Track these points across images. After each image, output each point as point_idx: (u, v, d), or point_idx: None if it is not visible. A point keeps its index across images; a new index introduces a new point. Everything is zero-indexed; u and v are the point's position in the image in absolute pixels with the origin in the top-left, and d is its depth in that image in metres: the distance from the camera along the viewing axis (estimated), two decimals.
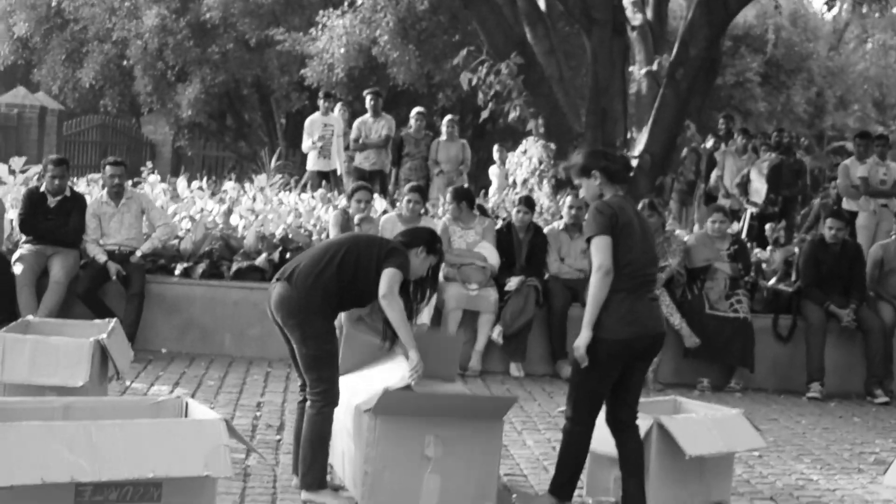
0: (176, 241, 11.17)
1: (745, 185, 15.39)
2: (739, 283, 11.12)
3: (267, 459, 7.02)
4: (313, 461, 6.22)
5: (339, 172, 15.85)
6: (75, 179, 12.68)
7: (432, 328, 7.57)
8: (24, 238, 10.56)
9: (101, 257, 10.43)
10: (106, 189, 10.81)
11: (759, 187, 15.20)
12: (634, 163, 14.69)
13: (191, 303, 10.78)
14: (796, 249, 12.22)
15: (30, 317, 8.42)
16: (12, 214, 11.01)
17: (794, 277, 11.66)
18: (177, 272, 10.85)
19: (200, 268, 10.87)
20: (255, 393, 9.11)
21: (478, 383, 10.18)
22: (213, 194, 13.43)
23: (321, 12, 22.30)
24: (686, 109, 15.42)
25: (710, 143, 16.49)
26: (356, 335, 6.95)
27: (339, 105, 16.72)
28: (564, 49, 18.84)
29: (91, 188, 12.47)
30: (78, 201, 10.69)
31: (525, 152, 15.00)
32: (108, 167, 10.82)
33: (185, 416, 5.32)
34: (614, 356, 6.10)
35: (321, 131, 15.69)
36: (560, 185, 14.28)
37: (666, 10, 19.08)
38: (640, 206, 11.23)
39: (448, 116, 16.18)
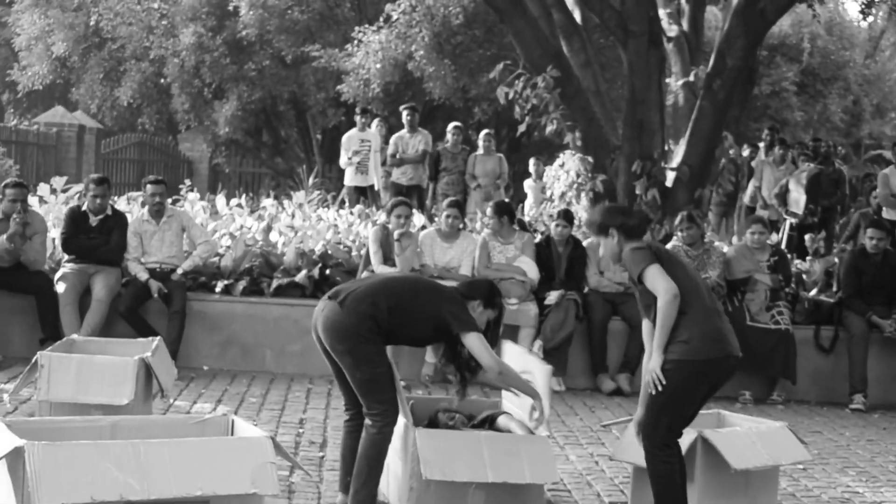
0: (216, 259, 11.22)
1: (783, 196, 15.34)
2: (780, 295, 11.07)
3: (311, 476, 7.04)
4: (368, 479, 6.16)
5: (376, 188, 15.90)
6: (115, 198, 12.76)
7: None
8: (66, 257, 10.64)
9: (143, 275, 10.49)
10: (147, 207, 10.88)
11: (797, 198, 15.13)
12: (672, 175, 14.66)
13: (232, 320, 10.83)
14: (837, 260, 12.16)
15: (74, 336, 8.50)
16: (54, 233, 11.09)
17: (835, 288, 11.61)
18: (217, 289, 10.90)
19: (241, 285, 10.91)
20: (298, 410, 9.13)
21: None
22: (251, 211, 13.48)
23: (357, 28, 22.39)
24: (724, 120, 15.37)
25: (746, 152, 16.43)
26: None
27: (376, 120, 16.78)
28: (601, 61, 18.85)
29: (131, 206, 12.55)
30: (119, 220, 10.76)
31: (562, 165, 14.99)
32: (149, 186, 10.88)
33: (232, 433, 5.35)
34: (703, 375, 6.03)
35: (358, 147, 15.74)
36: (598, 198, 14.26)
37: (702, 21, 19.01)
38: (678, 218, 11.24)
39: (484, 131, 16.22)
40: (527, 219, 13.77)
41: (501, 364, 6.26)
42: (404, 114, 15.77)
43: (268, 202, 14.21)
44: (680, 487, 6.09)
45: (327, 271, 10.97)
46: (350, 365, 6.12)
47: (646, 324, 6.25)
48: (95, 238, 10.57)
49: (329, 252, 11.30)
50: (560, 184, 14.92)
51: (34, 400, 7.64)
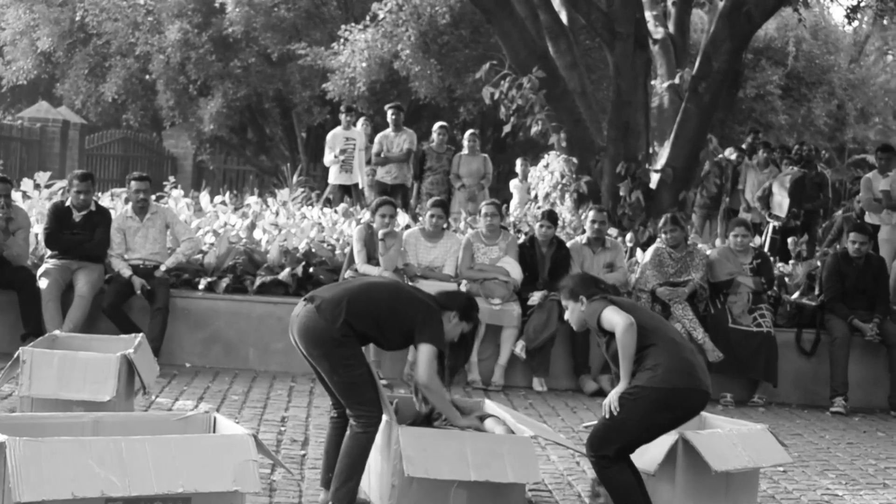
0: (200, 256, 11.21)
1: (766, 199, 15.39)
2: (762, 298, 11.11)
3: (293, 474, 7.04)
4: (349, 478, 6.17)
5: (360, 186, 15.91)
6: (99, 194, 12.74)
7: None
8: (49, 252, 10.62)
9: (126, 272, 10.48)
10: (131, 204, 10.86)
11: (781, 201, 15.19)
12: (656, 177, 14.69)
13: (215, 317, 10.82)
14: (819, 263, 12.21)
15: (57, 332, 8.49)
16: (37, 229, 11.07)
17: (817, 291, 11.65)
18: (201, 287, 10.89)
19: (224, 282, 10.91)
20: (280, 408, 9.13)
21: (501, 398, 10.18)
22: (235, 209, 13.47)
23: (343, 27, 22.39)
24: (709, 123, 15.41)
25: (732, 155, 16.48)
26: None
27: (362, 119, 16.78)
28: (587, 63, 18.88)
29: (115, 202, 12.52)
30: (103, 216, 10.74)
31: (547, 166, 15.01)
32: (133, 182, 10.86)
33: (214, 431, 5.35)
34: (666, 407, 6.07)
35: (343, 145, 15.76)
36: (582, 200, 14.29)
37: (688, 24, 19.08)
38: (662, 220, 11.27)
39: (470, 131, 16.23)
40: (511, 219, 13.78)
41: (433, 383, 6.21)
42: (389, 113, 15.78)
43: (252, 200, 14.20)
44: (640, 492, 6.16)
45: (311, 269, 10.97)
46: (328, 369, 6.14)
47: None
48: (79, 234, 10.54)
49: (313, 250, 11.30)
50: (544, 185, 14.94)
51: (16, 395, 7.62)
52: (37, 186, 12.80)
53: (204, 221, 12.20)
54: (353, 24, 22.33)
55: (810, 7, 19.17)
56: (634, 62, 14.80)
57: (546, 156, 15.27)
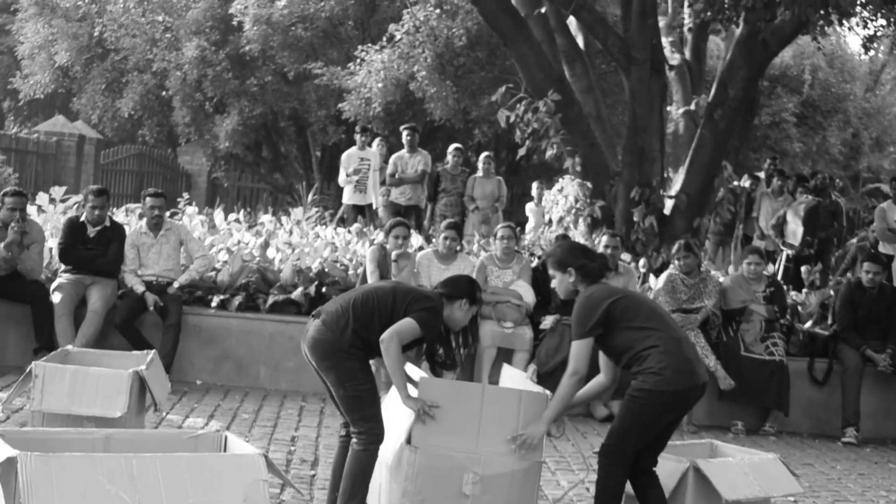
0: (213, 273, 11.22)
1: (780, 227, 15.37)
2: (775, 326, 11.09)
3: (303, 494, 7.03)
4: (352, 496, 6.19)
5: (374, 207, 15.92)
6: (114, 209, 12.76)
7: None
8: (62, 267, 10.64)
9: (139, 288, 10.50)
10: (145, 220, 10.88)
11: (795, 229, 15.16)
12: (670, 203, 14.68)
13: (227, 335, 10.83)
14: (832, 292, 12.18)
15: (69, 346, 8.49)
16: (52, 243, 11.09)
17: (830, 321, 11.62)
18: (213, 304, 10.91)
19: (237, 300, 10.92)
20: (290, 427, 9.12)
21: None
22: (249, 227, 13.48)
23: (360, 47, 22.42)
24: (724, 150, 15.41)
25: (746, 182, 16.47)
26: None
27: (377, 139, 16.81)
28: (602, 87, 18.91)
29: (129, 218, 12.55)
30: (117, 231, 10.77)
31: (561, 190, 15.02)
32: (148, 198, 10.88)
33: (225, 450, 5.34)
34: (671, 406, 6.17)
35: (357, 165, 15.77)
36: (596, 224, 14.29)
37: (704, 50, 19.09)
38: (675, 247, 11.25)
39: (484, 153, 16.24)
40: (525, 243, 13.77)
41: (392, 343, 6.08)
42: (404, 134, 15.80)
43: (266, 218, 14.22)
44: (612, 500, 6.25)
45: (324, 289, 10.98)
46: (335, 382, 6.17)
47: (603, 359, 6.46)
48: (93, 249, 10.57)
49: (326, 270, 11.30)
50: (558, 208, 14.95)
51: (27, 410, 7.63)
52: (52, 201, 12.83)
53: (218, 239, 12.21)
54: (369, 45, 22.37)
55: (827, 35, 19.14)
56: (650, 87, 14.80)
57: (560, 180, 15.28)
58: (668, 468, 6.48)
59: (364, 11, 24.13)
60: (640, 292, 6.34)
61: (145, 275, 10.67)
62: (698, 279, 11.09)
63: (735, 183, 16.23)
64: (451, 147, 16.01)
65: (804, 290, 13.05)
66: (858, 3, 13.36)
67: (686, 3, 15.15)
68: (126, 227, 11.09)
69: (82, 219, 10.68)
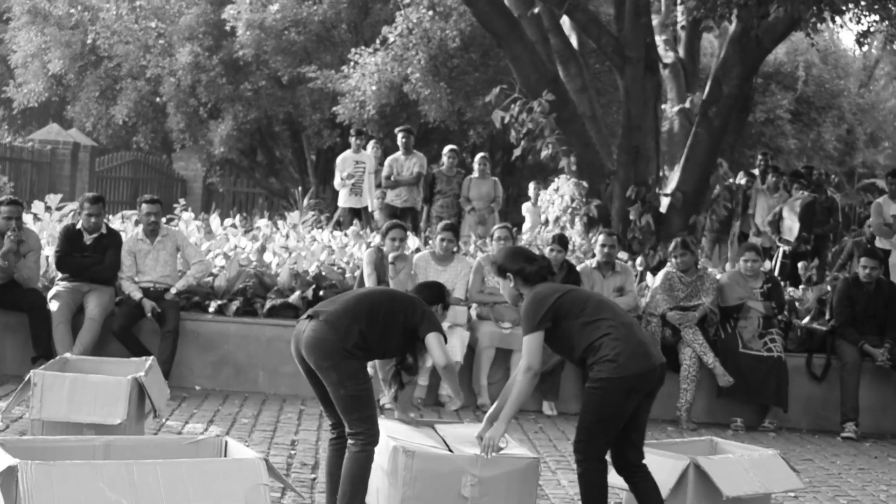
0: (210, 279, 11.22)
1: (777, 223, 15.38)
2: (773, 322, 11.10)
3: (304, 498, 7.03)
4: (352, 498, 6.22)
5: (370, 209, 15.93)
6: (109, 216, 12.75)
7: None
8: (59, 275, 10.64)
9: (137, 294, 10.49)
10: (142, 226, 10.88)
11: (791, 225, 15.18)
12: (666, 201, 14.68)
13: (225, 340, 10.83)
14: (829, 288, 12.19)
15: (67, 354, 8.50)
16: (48, 251, 11.09)
17: (827, 316, 11.63)
18: (211, 309, 10.90)
19: (234, 305, 10.92)
20: (290, 431, 9.12)
21: (510, 423, 10.15)
22: (246, 231, 13.48)
23: (353, 50, 22.42)
24: (719, 147, 15.41)
25: (742, 180, 16.48)
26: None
27: (371, 142, 16.82)
28: (596, 86, 18.88)
29: (125, 225, 12.54)
30: (114, 238, 10.76)
31: (557, 190, 15.03)
32: (144, 205, 10.89)
33: (225, 454, 5.34)
34: (632, 391, 6.17)
35: (352, 168, 15.78)
36: (592, 223, 14.30)
37: (698, 48, 19.11)
38: (672, 245, 11.27)
39: (480, 154, 16.25)
40: (522, 243, 13.76)
41: (451, 363, 6.46)
42: (399, 136, 15.81)
43: (262, 222, 14.21)
44: (605, 497, 6.30)
45: (321, 292, 10.97)
46: (335, 381, 6.19)
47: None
48: (90, 257, 10.57)
49: (323, 273, 11.30)
50: (555, 208, 14.95)
51: (26, 418, 7.64)
52: (48, 209, 12.82)
53: (214, 244, 12.21)
54: (363, 48, 22.35)
55: (820, 31, 19.16)
56: (644, 86, 14.81)
57: (556, 179, 15.29)
58: (668, 465, 6.49)
59: (357, 14, 24.13)
60: (586, 288, 6.45)
61: (142, 281, 10.67)
62: (695, 277, 11.10)
63: (730, 180, 16.24)
64: (447, 148, 16.02)
65: (801, 287, 13.06)
66: None
67: (678, 1, 15.14)
68: (122, 234, 11.08)
69: (78, 226, 10.68)
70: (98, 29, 24.83)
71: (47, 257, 11.04)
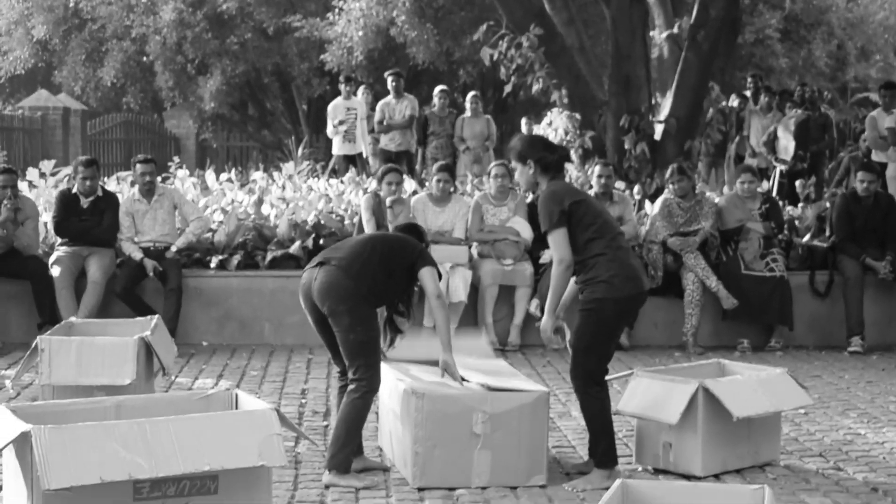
0: (209, 235, 11.22)
1: (772, 143, 15.37)
2: (773, 242, 11.10)
3: (317, 445, 7.07)
4: (345, 444, 6.31)
5: (364, 155, 15.90)
6: (104, 179, 12.74)
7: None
8: (59, 241, 10.64)
9: (137, 255, 10.50)
10: (137, 187, 10.88)
11: (786, 144, 15.15)
12: (660, 128, 14.65)
13: (228, 295, 10.84)
14: (828, 204, 12.18)
15: (72, 318, 8.51)
16: (46, 217, 11.08)
17: (827, 233, 11.62)
18: (212, 265, 10.91)
19: (235, 259, 10.92)
20: (299, 381, 9.16)
21: (518, 357, 10.21)
22: (242, 185, 13.47)
23: None
24: (709, 71, 15.33)
25: (735, 102, 16.43)
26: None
27: (361, 88, 16.76)
28: (583, 18, 18.77)
29: (121, 186, 12.53)
30: (110, 200, 10.76)
31: (550, 124, 14.99)
32: (138, 165, 10.88)
33: (236, 407, 5.36)
34: (624, 313, 6.40)
35: (344, 115, 15.74)
36: (587, 155, 14.27)
37: None
38: (668, 171, 11.25)
39: (471, 93, 16.20)
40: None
41: (442, 294, 6.64)
42: (389, 80, 15.76)
43: (258, 175, 14.19)
44: (609, 419, 6.41)
45: (321, 241, 10.97)
46: (347, 326, 6.24)
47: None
48: (87, 220, 10.57)
49: (322, 222, 11.31)
50: None
51: (36, 384, 7.68)
52: (42, 175, 12.80)
53: (211, 200, 12.20)
54: None
55: None
56: (631, 15, 14.73)
57: (549, 114, 15.24)
58: (677, 390, 6.52)
59: None
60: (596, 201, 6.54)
61: (142, 241, 10.68)
62: (693, 202, 11.10)
63: (723, 103, 16.19)
64: (437, 89, 15.97)
65: (800, 205, 13.06)
66: None
67: None
68: (119, 196, 11.07)
69: (74, 191, 10.67)
70: None
71: (45, 224, 11.03)
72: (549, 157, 6.47)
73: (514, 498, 6.15)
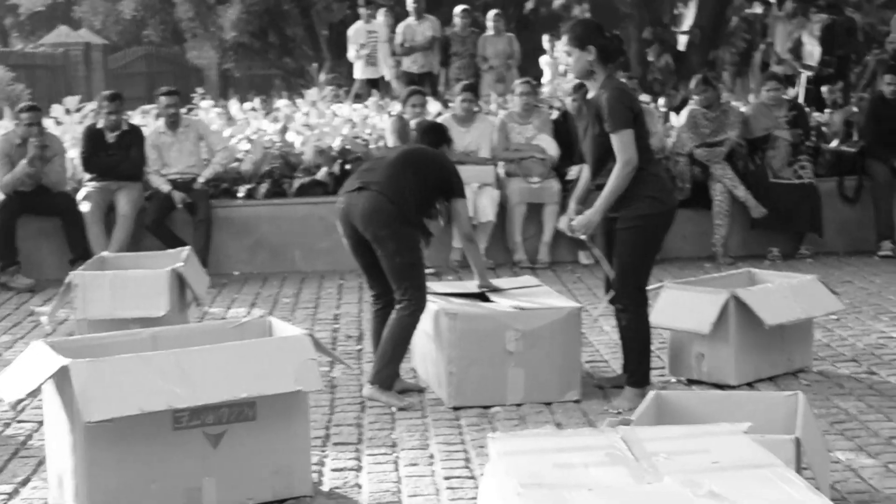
0: (236, 164, 11.24)
1: (797, 49, 15.21)
2: (801, 149, 11.05)
3: (352, 368, 7.13)
4: (391, 360, 6.35)
5: (387, 78, 15.85)
6: (129, 113, 12.74)
7: None
8: (87, 176, 10.68)
9: (165, 187, 10.54)
10: (162, 119, 10.89)
11: (812, 50, 15.00)
12: (684, 39, 14.54)
13: (258, 223, 10.88)
14: (855, 109, 12.09)
15: (104, 253, 8.58)
16: (73, 153, 11.12)
17: (855, 137, 11.55)
18: (240, 194, 10.93)
19: (263, 188, 10.94)
20: (331, 306, 9.21)
21: (548, 275, 10.22)
22: (266, 113, 13.45)
23: None
24: None
25: (758, 9, 16.28)
26: None
27: (382, 10, 16.66)
28: None
29: (145, 119, 12.54)
30: (136, 134, 10.78)
31: None
32: (162, 97, 10.88)
33: (270, 334, 5.40)
34: (667, 226, 6.34)
35: (365, 39, 15.68)
36: None
37: None
38: (693, 82, 11.18)
39: (492, 11, 16.07)
40: (543, 96, 13.68)
41: (472, 232, 6.86)
42: (409, 1, 15.66)
43: (281, 103, 14.14)
44: (649, 338, 6.39)
45: (347, 166, 10.97)
46: (392, 251, 6.28)
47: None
48: (114, 155, 10.60)
49: (347, 147, 11.29)
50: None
51: (72, 320, 7.74)
52: (67, 111, 12.81)
53: (236, 129, 12.19)
54: None
55: None
56: None
57: None
58: (708, 300, 6.53)
59: None
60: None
61: (169, 173, 10.71)
62: (719, 111, 11.04)
63: (747, 10, 16.04)
64: (458, 9, 15.84)
65: (827, 110, 12.96)
66: None
67: None
68: (144, 129, 11.09)
69: (99, 126, 10.70)
70: None
71: (73, 160, 11.07)
72: (610, 45, 6.22)
73: (548, 413, 6.20)
